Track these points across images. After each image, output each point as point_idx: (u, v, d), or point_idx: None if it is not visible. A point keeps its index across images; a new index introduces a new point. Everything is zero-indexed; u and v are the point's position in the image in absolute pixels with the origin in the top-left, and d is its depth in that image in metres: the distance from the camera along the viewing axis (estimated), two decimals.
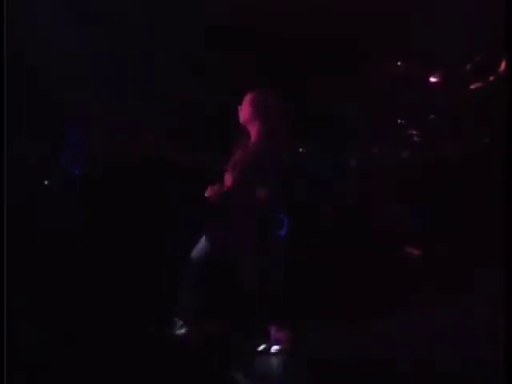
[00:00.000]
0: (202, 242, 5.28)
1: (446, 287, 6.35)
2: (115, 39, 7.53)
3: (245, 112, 5.15)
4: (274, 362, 5.10)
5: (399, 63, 7.76)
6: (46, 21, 7.38)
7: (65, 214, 7.35)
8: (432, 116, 7.73)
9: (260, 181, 5.03)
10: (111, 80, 7.54)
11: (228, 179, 5.02)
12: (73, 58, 7.47)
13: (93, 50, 7.52)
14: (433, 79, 7.70)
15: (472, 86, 7.47)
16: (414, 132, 7.77)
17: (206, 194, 5.00)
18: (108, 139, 7.67)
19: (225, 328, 5.58)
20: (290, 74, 7.50)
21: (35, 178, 7.52)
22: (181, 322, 5.28)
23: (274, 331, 5.19)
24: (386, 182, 7.66)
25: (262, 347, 5.21)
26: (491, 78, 7.34)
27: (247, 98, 5.18)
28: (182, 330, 5.27)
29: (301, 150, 7.28)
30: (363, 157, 7.88)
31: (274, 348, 5.18)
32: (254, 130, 5.15)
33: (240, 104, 5.21)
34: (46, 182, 7.55)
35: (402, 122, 7.80)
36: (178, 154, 5.21)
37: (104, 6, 7.51)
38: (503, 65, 7.14)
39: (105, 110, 7.61)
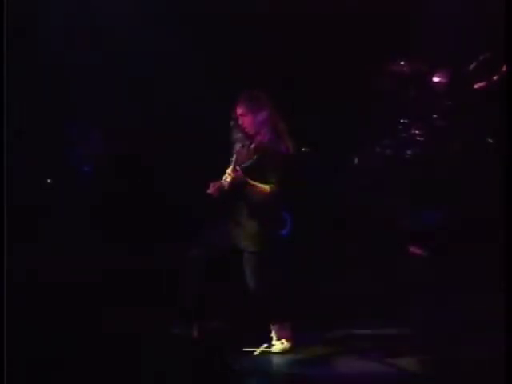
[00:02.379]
0: (203, 241, 5.27)
1: (445, 286, 6.35)
2: (115, 39, 7.55)
3: (245, 120, 5.12)
4: (276, 361, 5.10)
5: (399, 63, 7.76)
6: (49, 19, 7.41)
7: (70, 212, 7.38)
8: (432, 116, 7.72)
9: (262, 180, 5.03)
10: (114, 80, 7.57)
11: (230, 177, 5.00)
12: (79, 58, 7.50)
13: (96, 50, 7.55)
14: (433, 79, 7.70)
15: (472, 86, 7.47)
16: (414, 132, 7.76)
17: (208, 191, 4.99)
18: (116, 139, 7.71)
19: (225, 328, 5.58)
20: (290, 74, 7.51)
21: (41, 177, 7.56)
22: (181, 322, 5.27)
23: (275, 330, 5.19)
24: (387, 182, 7.67)
25: (263, 346, 5.21)
26: (491, 78, 7.33)
27: (246, 105, 5.13)
28: (183, 330, 5.27)
29: (303, 149, 7.28)
30: (364, 156, 7.87)
31: (276, 347, 5.18)
32: (257, 133, 5.13)
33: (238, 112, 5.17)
34: (48, 181, 7.58)
35: (402, 121, 7.79)
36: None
37: (104, 6, 7.53)
38: (503, 65, 7.14)
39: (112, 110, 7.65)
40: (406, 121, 7.76)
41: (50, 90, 7.54)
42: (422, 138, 7.71)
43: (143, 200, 7.60)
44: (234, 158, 5.06)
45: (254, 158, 5.02)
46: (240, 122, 5.13)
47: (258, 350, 5.18)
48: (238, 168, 4.97)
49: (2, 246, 4.61)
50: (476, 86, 7.43)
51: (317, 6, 7.50)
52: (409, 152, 7.71)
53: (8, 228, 4.65)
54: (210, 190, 4.98)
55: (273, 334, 5.20)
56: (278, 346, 5.18)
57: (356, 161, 7.87)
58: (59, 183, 7.69)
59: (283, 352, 5.17)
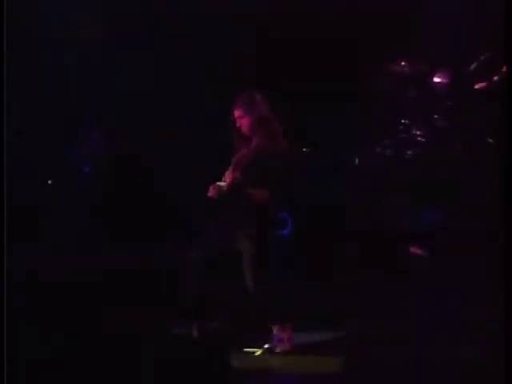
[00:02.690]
0: (203, 241, 5.27)
1: (445, 286, 6.35)
2: (115, 39, 7.55)
3: (243, 122, 5.12)
4: (276, 361, 5.10)
5: (399, 63, 7.76)
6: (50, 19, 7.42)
7: (70, 212, 7.38)
8: (432, 116, 7.72)
9: (262, 180, 5.03)
10: (114, 80, 7.58)
11: (229, 179, 5.01)
12: (78, 58, 7.51)
13: (96, 50, 7.55)
14: (433, 79, 7.70)
15: (472, 87, 7.47)
16: (414, 132, 7.76)
17: (208, 194, 5.00)
18: (116, 139, 7.72)
19: (225, 328, 5.58)
20: (291, 74, 7.51)
21: (41, 177, 7.56)
22: (181, 322, 5.28)
23: (276, 330, 5.19)
24: (387, 182, 7.67)
25: (264, 347, 5.21)
26: (491, 79, 7.33)
27: (243, 108, 5.13)
28: (183, 330, 5.27)
29: (303, 149, 7.29)
30: (364, 156, 7.87)
31: (276, 348, 5.18)
32: (255, 134, 5.13)
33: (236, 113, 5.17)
34: (49, 181, 7.59)
35: (402, 121, 7.79)
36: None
37: (104, 6, 7.53)
38: (503, 65, 7.14)
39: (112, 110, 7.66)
40: (406, 121, 7.76)
41: (50, 90, 7.54)
42: (422, 138, 7.70)
43: (143, 200, 7.60)
44: (233, 159, 5.07)
45: (254, 159, 5.03)
46: (238, 123, 5.15)
47: (258, 351, 5.18)
48: (237, 169, 4.98)
49: (2, 246, 4.61)
50: (476, 87, 7.43)
51: (317, 5, 7.50)
52: (409, 152, 7.71)
53: (8, 228, 4.65)
54: (210, 193, 4.99)
55: (273, 335, 5.20)
56: (279, 346, 5.18)
57: (356, 161, 7.87)
58: (59, 183, 7.69)
59: (284, 352, 5.17)
